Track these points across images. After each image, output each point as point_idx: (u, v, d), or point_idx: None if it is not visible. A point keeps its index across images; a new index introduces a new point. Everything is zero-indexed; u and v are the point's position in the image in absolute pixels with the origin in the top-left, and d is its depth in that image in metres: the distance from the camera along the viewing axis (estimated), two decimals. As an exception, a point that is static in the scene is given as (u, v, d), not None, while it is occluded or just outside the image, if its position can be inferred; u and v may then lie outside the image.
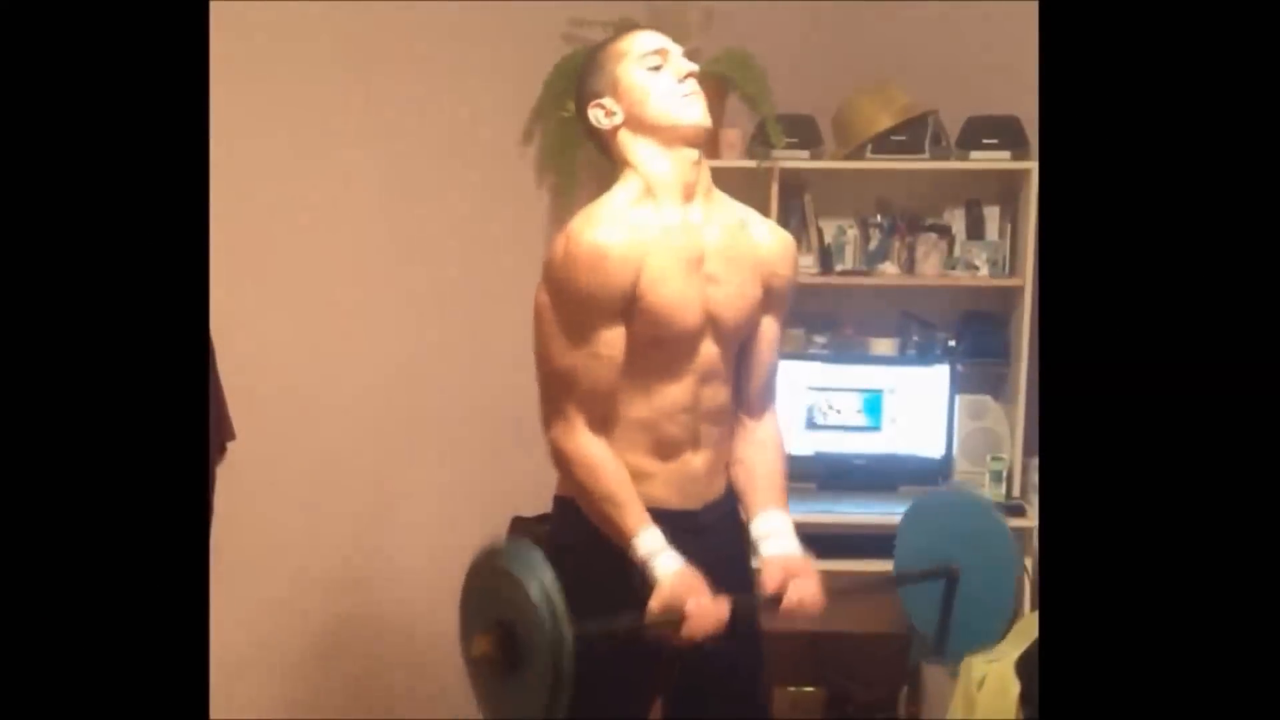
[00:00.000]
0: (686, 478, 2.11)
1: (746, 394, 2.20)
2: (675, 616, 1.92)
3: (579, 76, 2.14)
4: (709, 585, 1.98)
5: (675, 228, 2.05)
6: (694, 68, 2.08)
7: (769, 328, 2.19)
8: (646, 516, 1.99)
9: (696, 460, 2.12)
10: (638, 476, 2.06)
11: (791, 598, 2.04)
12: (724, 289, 2.08)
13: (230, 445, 3.33)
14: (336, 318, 3.52)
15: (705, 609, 1.93)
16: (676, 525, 2.05)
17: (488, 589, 1.87)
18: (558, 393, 2.04)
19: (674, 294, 2.02)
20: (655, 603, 1.93)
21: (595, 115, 2.09)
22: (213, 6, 1.65)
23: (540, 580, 1.78)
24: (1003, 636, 2.28)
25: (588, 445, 2.02)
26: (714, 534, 2.13)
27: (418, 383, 3.61)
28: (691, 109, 2.05)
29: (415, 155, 3.55)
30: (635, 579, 2.00)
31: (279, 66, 3.37)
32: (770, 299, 2.17)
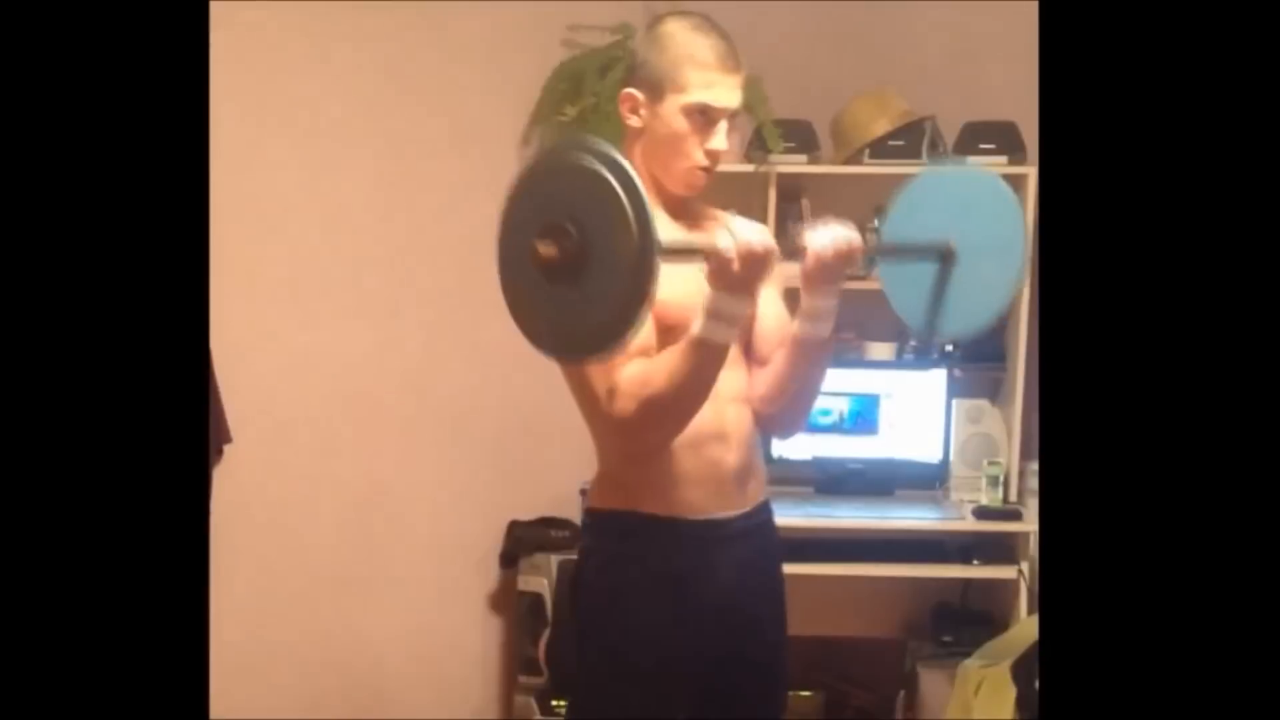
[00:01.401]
0: (719, 478, 2.06)
1: (760, 351, 2.13)
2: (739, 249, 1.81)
3: (638, 43, 2.06)
4: (737, 593, 2.02)
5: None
6: (724, 148, 2.02)
7: (768, 296, 2.12)
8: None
9: (728, 456, 2.06)
10: (670, 479, 2.02)
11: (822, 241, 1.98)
12: None
13: (226, 448, 3.34)
14: (333, 322, 3.52)
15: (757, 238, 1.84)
16: (707, 534, 2.04)
17: (554, 186, 1.74)
18: (603, 381, 1.95)
19: (666, 283, 1.93)
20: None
21: (624, 107, 2.03)
22: (213, 10, 1.65)
23: (624, 173, 1.66)
24: (995, 319, 2.11)
25: (631, 379, 1.91)
26: (745, 543, 2.10)
27: (415, 387, 3.61)
28: (692, 184, 2.04)
29: (414, 159, 3.55)
30: (666, 594, 2.01)
31: (279, 70, 3.38)
32: None
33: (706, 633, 2.06)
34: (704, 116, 1.98)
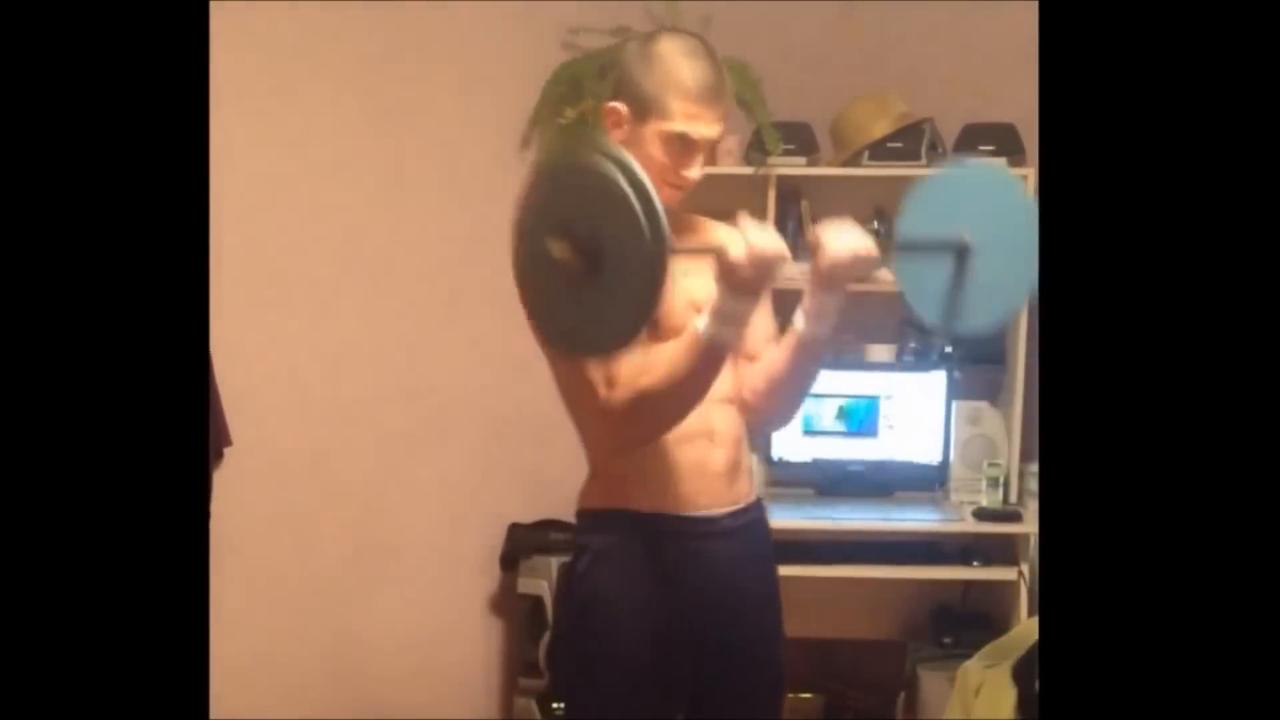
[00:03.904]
0: (705, 475, 2.07)
1: (748, 350, 2.14)
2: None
3: (619, 57, 2.06)
4: (727, 590, 2.01)
5: None
6: (698, 178, 2.01)
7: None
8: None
9: (715, 455, 2.08)
10: (657, 476, 2.03)
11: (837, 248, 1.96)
12: (702, 281, 2.00)
13: (226, 451, 3.34)
14: (333, 325, 3.52)
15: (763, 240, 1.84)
16: (700, 531, 2.05)
17: (566, 186, 1.77)
18: (600, 369, 1.96)
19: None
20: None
21: (607, 120, 2.04)
22: (213, 12, 1.65)
23: (633, 173, 1.69)
24: (1012, 315, 2.11)
25: (629, 368, 1.93)
26: (738, 540, 2.12)
27: (414, 390, 3.61)
28: (664, 201, 1.97)
29: (413, 162, 3.55)
30: (657, 590, 2.01)
31: (277, 73, 3.38)
32: None
33: (698, 629, 2.06)
34: (682, 145, 1.99)
